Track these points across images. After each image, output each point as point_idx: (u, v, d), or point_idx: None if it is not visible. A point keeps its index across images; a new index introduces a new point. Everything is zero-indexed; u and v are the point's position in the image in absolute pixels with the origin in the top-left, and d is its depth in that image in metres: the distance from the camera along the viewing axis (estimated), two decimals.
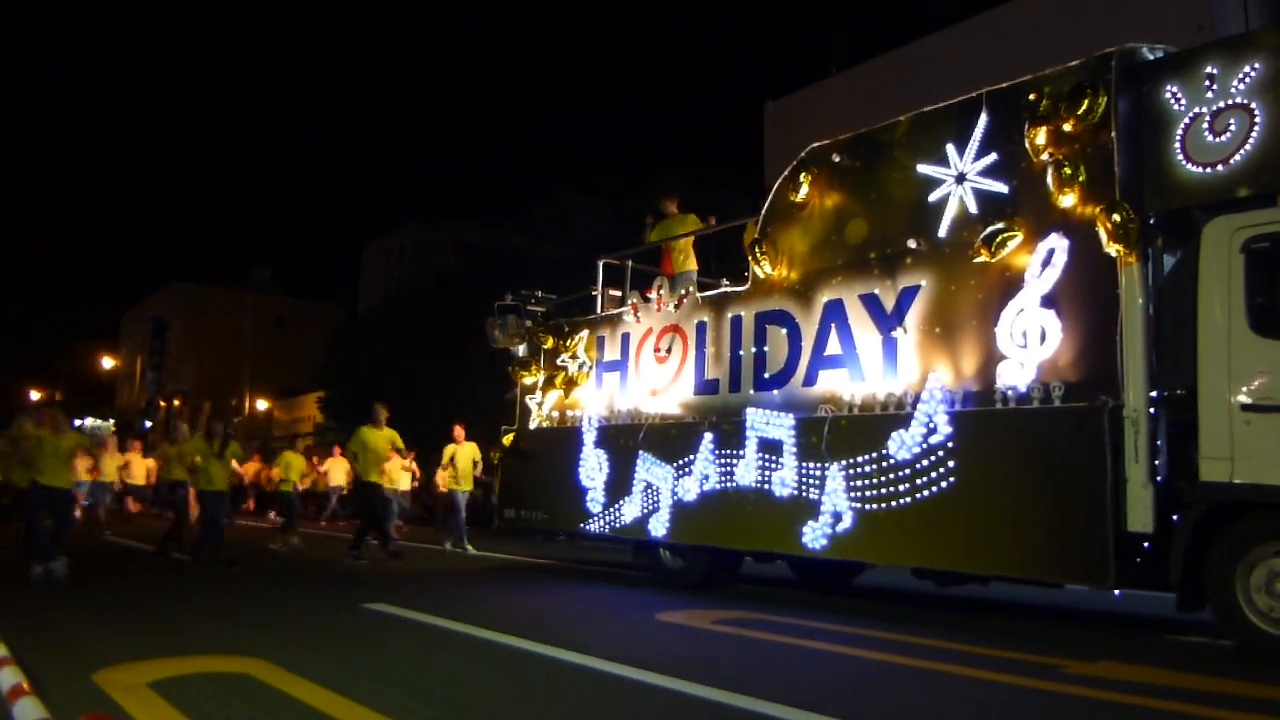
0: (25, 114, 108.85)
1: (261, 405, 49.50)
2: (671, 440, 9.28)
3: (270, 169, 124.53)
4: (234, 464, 12.17)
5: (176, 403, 50.23)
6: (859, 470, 7.58)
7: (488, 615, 7.39)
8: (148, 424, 48.25)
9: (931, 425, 7.17)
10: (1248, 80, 6.13)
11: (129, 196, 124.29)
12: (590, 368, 10.63)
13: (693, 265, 10.41)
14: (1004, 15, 21.02)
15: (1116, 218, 6.28)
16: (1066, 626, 7.85)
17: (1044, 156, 6.82)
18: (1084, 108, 6.55)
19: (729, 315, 9.14)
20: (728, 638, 6.85)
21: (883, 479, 7.42)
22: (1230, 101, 6.19)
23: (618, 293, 11.04)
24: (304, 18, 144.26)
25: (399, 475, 16.48)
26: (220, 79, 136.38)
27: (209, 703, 4.55)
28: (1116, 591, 6.65)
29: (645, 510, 9.41)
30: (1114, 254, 6.40)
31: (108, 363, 59.89)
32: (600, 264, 11.17)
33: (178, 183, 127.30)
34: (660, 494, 9.27)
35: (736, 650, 6.42)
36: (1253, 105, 6.08)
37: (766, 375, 8.69)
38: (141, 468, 18.98)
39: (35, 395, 49.15)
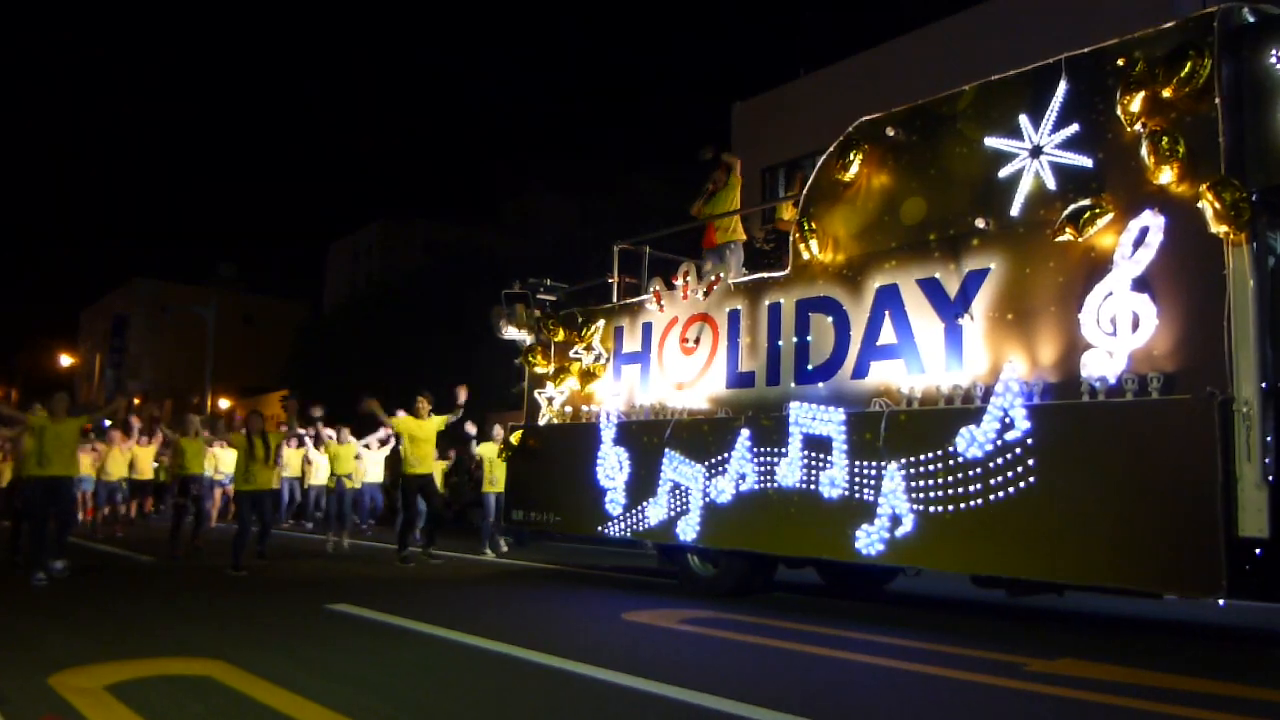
0: None
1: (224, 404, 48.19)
2: (703, 437, 8.60)
3: (236, 165, 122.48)
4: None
5: (137, 400, 48.81)
6: (922, 469, 6.95)
7: (450, 616, 7.28)
8: (106, 422, 46.80)
9: (1007, 420, 6.55)
10: None
11: (90, 191, 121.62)
12: (607, 360, 9.93)
13: (740, 235, 9.80)
14: (972, 18, 20.80)
15: (1227, 196, 5.68)
16: (1029, 625, 7.57)
17: (1137, 127, 6.24)
18: (1186, 71, 5.97)
19: (766, 303, 8.48)
20: (694, 637, 6.73)
21: (950, 479, 6.78)
22: None
23: (634, 280, 10.37)
24: (270, 15, 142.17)
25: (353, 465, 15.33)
26: (185, 73, 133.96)
27: (166, 705, 4.48)
28: (1221, 601, 6.08)
29: (672, 512, 8.73)
30: (1220, 234, 5.83)
31: (66, 360, 58.10)
32: (615, 249, 10.46)
33: (141, 177, 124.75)
34: (690, 495, 8.59)
35: (703, 650, 6.32)
36: None
37: (810, 367, 8.04)
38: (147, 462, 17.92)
39: None
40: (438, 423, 12.02)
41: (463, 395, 11.93)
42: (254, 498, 10.87)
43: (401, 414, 12.70)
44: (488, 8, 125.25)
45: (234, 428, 11.45)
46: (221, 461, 17.46)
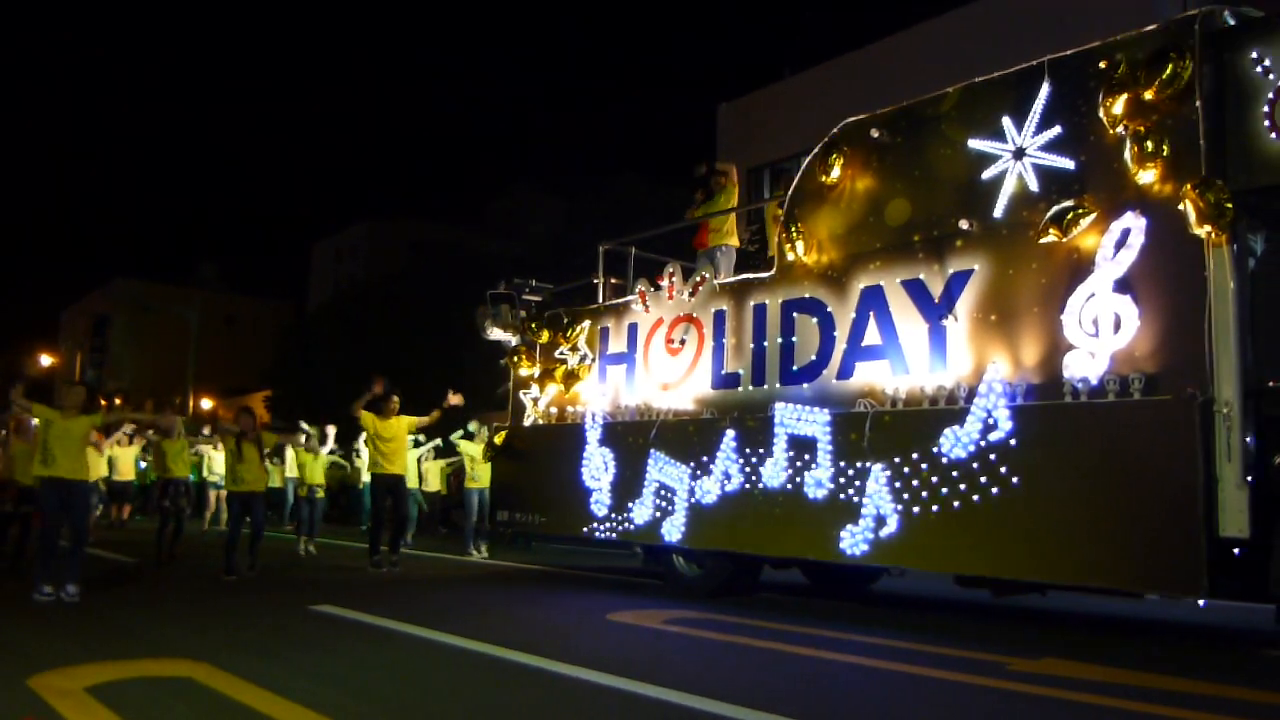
0: None
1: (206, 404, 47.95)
2: (688, 438, 8.60)
3: (218, 163, 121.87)
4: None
5: (118, 401, 48.49)
6: (906, 470, 6.97)
7: (434, 617, 7.26)
8: None
9: (990, 420, 6.58)
10: None
11: (71, 189, 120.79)
12: (592, 361, 9.93)
13: (734, 240, 9.90)
14: (956, 20, 20.93)
15: (1210, 196, 5.73)
16: (1012, 625, 7.62)
17: (1119, 129, 6.28)
18: (1168, 73, 6.01)
19: (751, 304, 8.49)
20: (678, 637, 6.74)
21: (934, 479, 6.81)
22: None
23: (620, 281, 10.37)
24: (253, 12, 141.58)
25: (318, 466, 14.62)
26: (167, 71, 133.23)
27: (148, 706, 4.47)
28: (1202, 602, 6.11)
29: (658, 513, 8.72)
30: (1202, 235, 5.86)
31: (46, 360, 57.64)
32: (601, 250, 10.45)
33: (122, 176, 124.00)
34: (675, 495, 8.59)
35: (687, 650, 6.34)
36: None
37: (795, 368, 8.05)
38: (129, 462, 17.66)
39: None
40: (406, 423, 11.70)
41: (452, 399, 11.70)
42: (244, 499, 10.67)
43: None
44: (488, 8, 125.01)
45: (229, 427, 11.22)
46: (216, 463, 17.25)
